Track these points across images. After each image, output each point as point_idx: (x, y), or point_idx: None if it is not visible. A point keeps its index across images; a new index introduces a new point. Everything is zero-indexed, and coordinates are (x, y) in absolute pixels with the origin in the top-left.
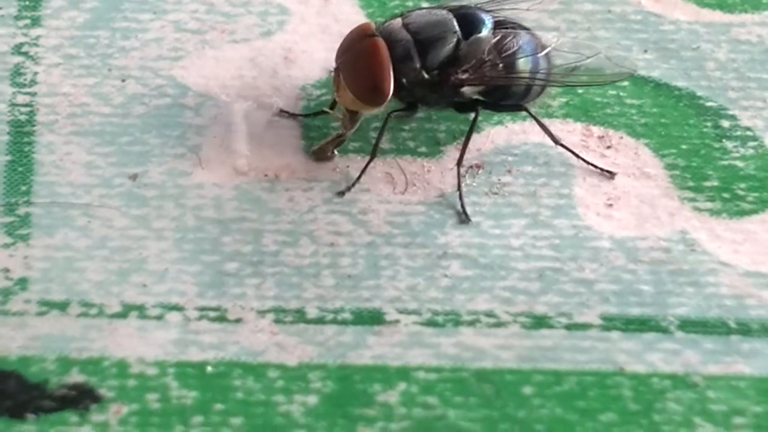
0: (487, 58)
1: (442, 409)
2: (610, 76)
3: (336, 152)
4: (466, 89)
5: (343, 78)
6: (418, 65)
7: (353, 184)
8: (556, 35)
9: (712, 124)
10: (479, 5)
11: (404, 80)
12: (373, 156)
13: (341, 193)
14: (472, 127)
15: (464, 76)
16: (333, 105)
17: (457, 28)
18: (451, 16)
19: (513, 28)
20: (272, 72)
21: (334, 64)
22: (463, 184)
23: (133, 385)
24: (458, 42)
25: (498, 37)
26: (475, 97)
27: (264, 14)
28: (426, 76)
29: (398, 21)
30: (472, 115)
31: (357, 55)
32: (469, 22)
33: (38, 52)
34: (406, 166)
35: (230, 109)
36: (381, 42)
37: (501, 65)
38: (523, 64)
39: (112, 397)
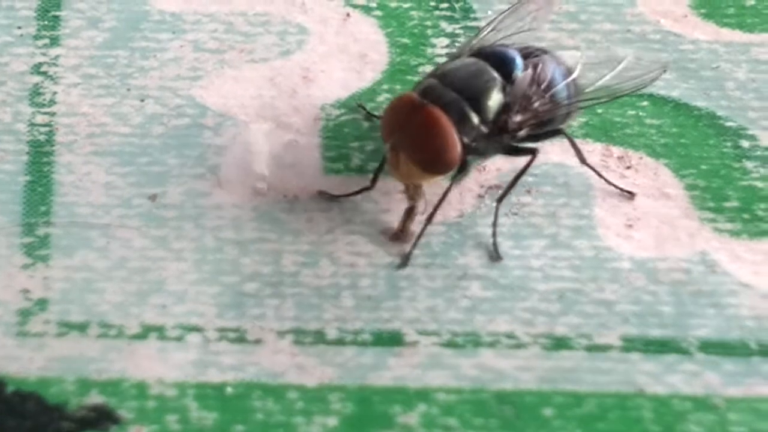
0: (531, 94)
1: (462, 431)
2: (639, 81)
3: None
4: (522, 131)
5: (405, 155)
6: (476, 121)
7: (410, 252)
8: (572, 53)
9: (732, 145)
10: (484, 37)
11: (466, 140)
12: (429, 221)
13: (401, 266)
14: (524, 170)
15: (518, 118)
16: (374, 180)
17: (495, 73)
18: (482, 61)
19: (536, 55)
20: (291, 92)
21: (387, 143)
22: (498, 220)
23: (152, 406)
24: (503, 86)
25: (530, 69)
26: (528, 134)
27: (283, 34)
28: (485, 130)
29: (434, 81)
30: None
31: (417, 128)
32: (501, 62)
33: (57, 71)
34: (426, 187)
35: (249, 129)
36: (437, 109)
37: (546, 96)
38: (562, 89)
39: (131, 419)
